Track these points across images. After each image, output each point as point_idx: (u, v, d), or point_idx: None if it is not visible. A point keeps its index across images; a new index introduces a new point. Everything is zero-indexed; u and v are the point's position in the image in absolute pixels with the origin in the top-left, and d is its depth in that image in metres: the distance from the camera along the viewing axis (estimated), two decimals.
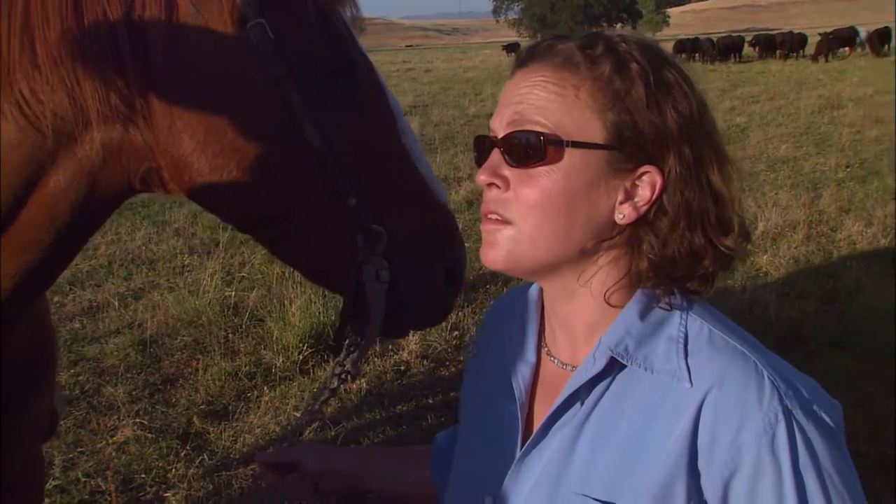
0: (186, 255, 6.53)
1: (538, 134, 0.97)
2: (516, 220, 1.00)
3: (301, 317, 4.69)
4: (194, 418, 3.95)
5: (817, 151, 10.45)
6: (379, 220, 1.32)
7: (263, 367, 4.44)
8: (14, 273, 1.27)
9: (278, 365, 4.40)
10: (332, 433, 3.71)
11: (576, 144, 0.97)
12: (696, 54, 37.22)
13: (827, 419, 0.92)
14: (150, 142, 1.25)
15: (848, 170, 9.19)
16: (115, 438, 3.80)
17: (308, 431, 3.72)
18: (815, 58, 32.60)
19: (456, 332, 4.74)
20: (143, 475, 3.49)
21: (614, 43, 0.99)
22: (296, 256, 1.43)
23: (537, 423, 1.08)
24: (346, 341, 1.44)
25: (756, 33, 50.86)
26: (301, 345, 4.49)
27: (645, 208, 0.99)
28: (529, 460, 1.06)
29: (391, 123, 1.37)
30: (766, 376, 0.93)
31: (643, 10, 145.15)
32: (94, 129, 1.22)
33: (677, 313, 1.01)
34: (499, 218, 1.01)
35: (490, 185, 1.02)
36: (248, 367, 4.41)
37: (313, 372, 4.35)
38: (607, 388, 1.01)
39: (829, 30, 37.65)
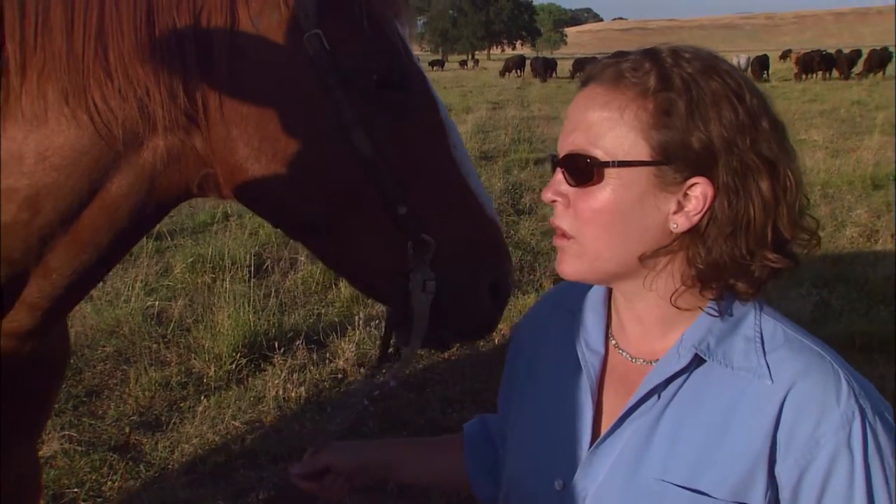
0: None
1: (584, 157, 1.06)
2: (576, 234, 1.08)
3: (232, 326, 4.63)
4: (126, 430, 3.83)
5: None
6: (428, 230, 1.35)
7: (195, 376, 4.36)
8: (70, 272, 1.29)
9: (211, 374, 4.33)
10: (276, 441, 3.68)
11: (622, 164, 1.04)
12: None
13: (889, 418, 1.03)
14: (208, 149, 1.28)
15: None
16: (40, 453, 3.64)
17: (249, 440, 3.69)
18: None
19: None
20: (75, 489, 3.37)
21: (661, 59, 1.06)
22: (344, 263, 1.45)
23: (606, 412, 1.16)
24: (380, 352, 1.47)
25: None
26: (234, 354, 4.43)
27: (697, 218, 1.04)
28: (604, 448, 1.12)
29: (442, 136, 1.40)
30: (842, 376, 1.02)
31: (542, 29, 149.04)
32: (158, 136, 1.25)
33: (751, 314, 1.09)
34: (563, 233, 1.10)
35: (554, 201, 1.11)
36: (179, 377, 4.32)
37: (248, 381, 4.30)
38: (684, 382, 1.09)
39: None
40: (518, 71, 46.34)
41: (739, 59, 39.09)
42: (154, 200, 1.30)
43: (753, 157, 1.03)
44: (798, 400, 1.01)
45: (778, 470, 1.02)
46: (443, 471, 1.49)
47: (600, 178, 1.05)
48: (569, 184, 1.09)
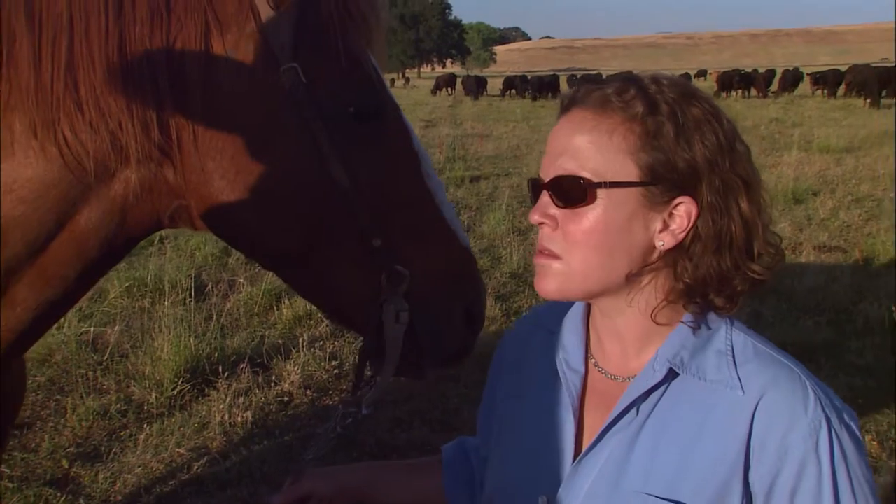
0: None
1: (577, 179, 1.08)
2: (564, 256, 1.11)
3: (172, 351, 4.52)
4: (63, 462, 3.69)
5: None
6: (402, 261, 1.35)
7: (135, 404, 4.23)
8: (36, 306, 1.26)
9: (152, 401, 4.21)
10: (224, 467, 3.60)
11: (612, 185, 1.07)
12: (526, 89, 39.71)
13: (853, 427, 1.08)
14: (182, 181, 1.27)
15: None
16: None
17: (196, 467, 3.60)
18: None
19: (335, 362, 4.74)
20: None
21: (645, 86, 1.10)
22: (319, 295, 1.45)
23: (588, 428, 1.19)
24: (355, 380, 1.46)
25: (572, 73, 54.85)
26: (176, 379, 4.32)
27: (682, 235, 1.09)
28: (586, 463, 1.15)
29: (416, 166, 1.41)
30: (808, 386, 1.07)
31: (471, 48, 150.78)
32: (130, 169, 1.24)
33: (723, 329, 1.14)
34: (551, 253, 1.12)
35: (541, 223, 1.13)
36: (118, 405, 4.18)
37: (191, 407, 4.20)
38: (661, 396, 1.13)
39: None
40: (449, 89, 46.75)
41: None
42: (125, 232, 1.29)
43: (733, 176, 1.09)
44: (768, 410, 1.06)
45: (751, 478, 1.06)
46: (421, 492, 1.49)
47: (592, 200, 1.08)
48: (557, 206, 1.11)
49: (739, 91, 38.93)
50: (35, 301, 1.26)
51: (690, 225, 1.09)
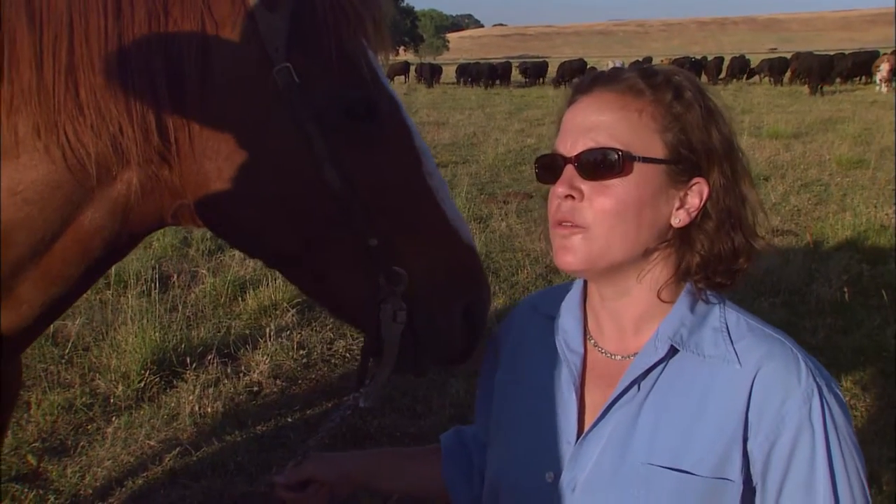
0: None
1: (616, 150, 1.14)
2: (592, 226, 1.15)
3: (138, 343, 4.46)
4: (29, 457, 3.63)
5: None
6: (400, 261, 1.35)
7: (101, 397, 4.18)
8: (40, 304, 1.27)
9: (118, 394, 4.17)
10: (196, 458, 3.59)
11: (645, 160, 1.14)
12: (479, 76, 39.73)
13: (840, 393, 1.16)
14: (181, 181, 1.28)
15: None
16: None
17: (167, 459, 3.58)
18: None
19: (303, 351, 4.74)
20: None
21: (670, 74, 1.19)
22: (317, 293, 1.46)
23: (590, 406, 1.24)
24: (358, 376, 1.47)
25: (524, 60, 55.15)
26: (143, 371, 4.28)
27: (695, 213, 1.17)
28: (590, 439, 1.20)
29: (416, 164, 1.39)
30: (800, 358, 1.14)
31: (424, 35, 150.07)
32: (132, 170, 1.25)
33: (716, 306, 1.21)
34: (575, 224, 1.16)
35: (567, 196, 1.17)
36: (83, 399, 4.12)
37: (160, 398, 4.16)
38: (661, 372, 1.18)
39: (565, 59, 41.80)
40: (403, 77, 46.56)
41: (616, 63, 40.80)
42: (128, 231, 1.30)
43: (739, 163, 1.20)
44: (765, 381, 1.13)
45: (750, 446, 1.12)
46: (420, 479, 1.53)
47: (628, 172, 1.14)
48: (585, 178, 1.16)
49: None
50: (40, 300, 1.26)
51: (702, 204, 1.17)
